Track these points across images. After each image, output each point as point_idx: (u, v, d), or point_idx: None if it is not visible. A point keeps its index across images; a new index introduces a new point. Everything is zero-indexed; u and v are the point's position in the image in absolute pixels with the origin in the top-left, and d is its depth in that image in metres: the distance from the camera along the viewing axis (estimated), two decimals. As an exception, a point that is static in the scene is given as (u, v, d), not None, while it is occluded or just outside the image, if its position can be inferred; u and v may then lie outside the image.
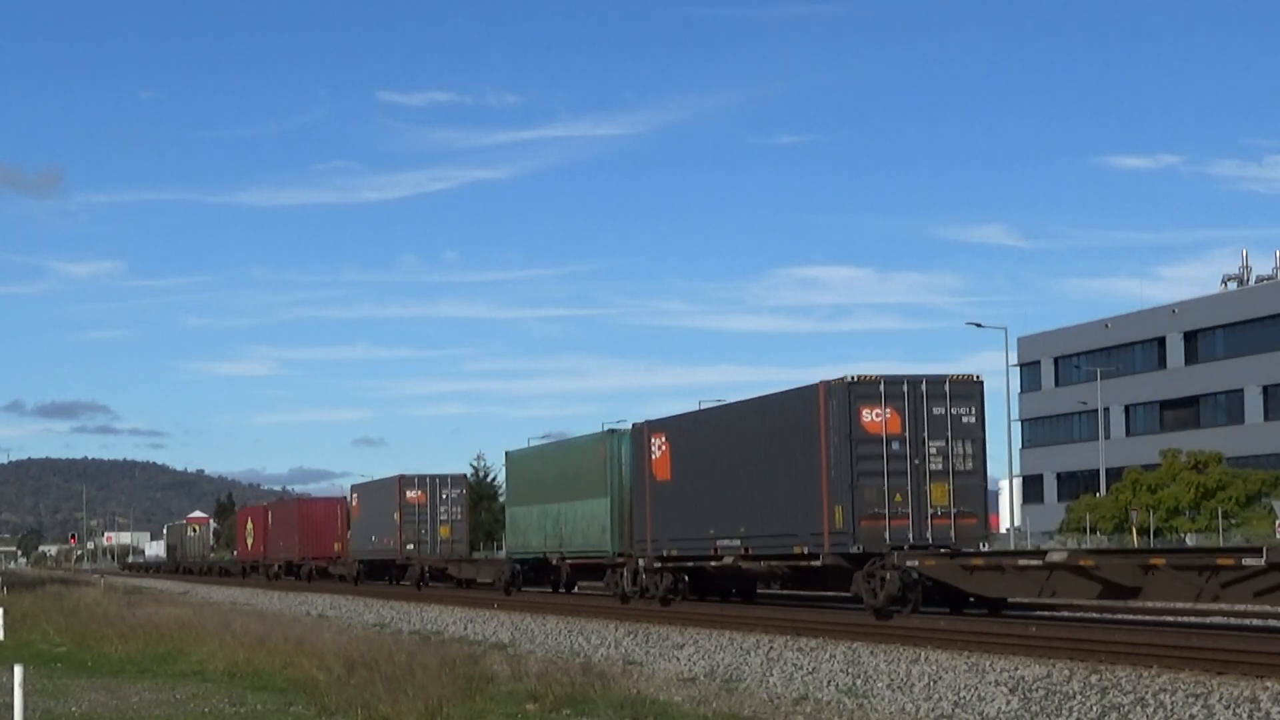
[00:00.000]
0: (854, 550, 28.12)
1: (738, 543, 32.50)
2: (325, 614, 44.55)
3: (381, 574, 63.81)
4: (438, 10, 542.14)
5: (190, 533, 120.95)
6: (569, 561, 42.55)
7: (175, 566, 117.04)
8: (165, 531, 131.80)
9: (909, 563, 27.11)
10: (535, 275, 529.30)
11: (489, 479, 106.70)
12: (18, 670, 13.39)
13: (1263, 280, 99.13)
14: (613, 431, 39.38)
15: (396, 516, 57.84)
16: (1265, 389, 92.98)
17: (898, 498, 28.18)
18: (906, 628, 24.97)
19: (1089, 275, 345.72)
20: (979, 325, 75.26)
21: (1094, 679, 18.03)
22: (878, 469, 28.20)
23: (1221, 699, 15.94)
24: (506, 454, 48.34)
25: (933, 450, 28.46)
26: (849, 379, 28.30)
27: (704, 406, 36.74)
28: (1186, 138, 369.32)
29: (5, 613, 29.35)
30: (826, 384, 28.79)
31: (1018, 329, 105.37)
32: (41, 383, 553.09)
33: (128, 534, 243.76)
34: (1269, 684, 16.54)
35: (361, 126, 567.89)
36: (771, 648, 24.39)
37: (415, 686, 18.48)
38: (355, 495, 66.50)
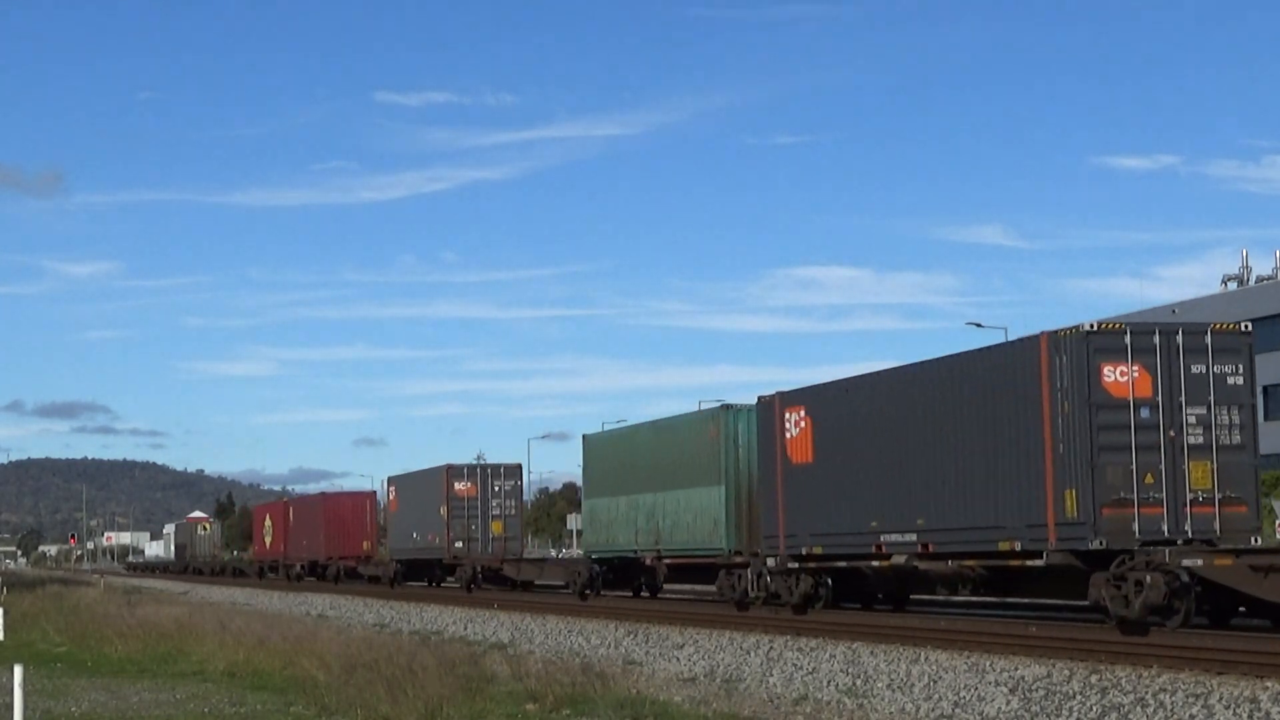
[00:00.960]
0: (1094, 546, 22.47)
1: (913, 538, 26.59)
2: (325, 614, 44.53)
3: (422, 574, 59.19)
4: (435, 11, 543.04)
5: (200, 531, 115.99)
6: (667, 561, 37.04)
7: (184, 567, 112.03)
8: (173, 530, 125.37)
9: (1187, 562, 21.66)
10: (534, 275, 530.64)
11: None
12: (18, 670, 13.38)
13: (1263, 280, 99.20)
14: (727, 407, 33.84)
15: (443, 511, 52.37)
16: (1265, 389, 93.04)
17: (1149, 479, 22.67)
18: (906, 627, 24.94)
19: (1088, 275, 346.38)
20: (979, 325, 75.16)
21: (1094, 679, 18.02)
22: (1124, 443, 22.60)
23: (1221, 699, 15.94)
24: (585, 438, 42.60)
25: (1191, 419, 23.04)
26: (1086, 327, 22.79)
27: (852, 375, 30.22)
28: (1184, 138, 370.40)
29: (5, 613, 29.29)
30: (1052, 335, 23.23)
31: (1018, 329, 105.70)
32: (41, 383, 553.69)
33: (128, 534, 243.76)
34: (1269, 684, 16.53)
35: (359, 127, 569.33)
36: (771, 648, 24.38)
37: (415, 687, 18.48)
38: (393, 488, 60.78)
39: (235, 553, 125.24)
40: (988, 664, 20.16)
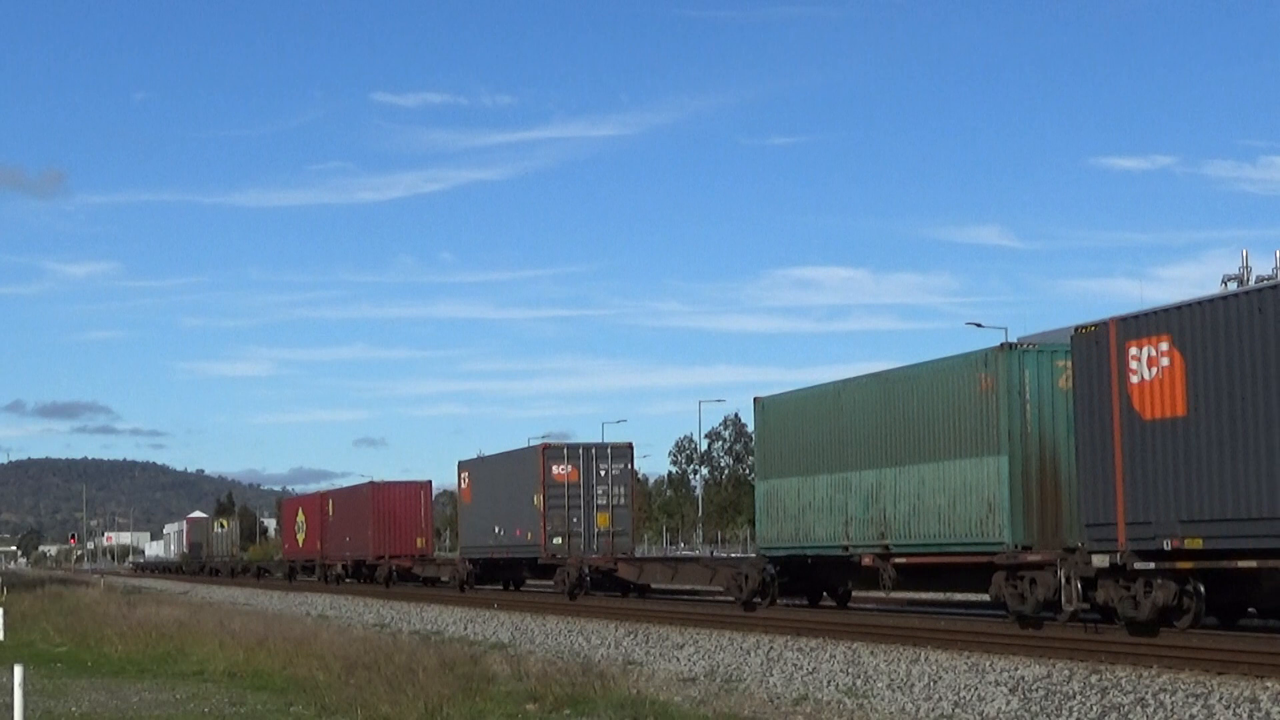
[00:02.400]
0: None
1: None
2: (325, 614, 44.52)
3: (501, 576, 50.60)
4: (431, 12, 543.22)
5: (217, 529, 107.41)
6: (898, 560, 27.97)
7: (199, 567, 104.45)
8: (183, 529, 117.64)
9: None
10: (532, 276, 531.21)
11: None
12: (18, 670, 13.37)
13: (1263, 280, 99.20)
14: (1009, 347, 25.76)
15: (538, 500, 43.70)
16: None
17: None
18: (906, 627, 24.95)
19: (1085, 276, 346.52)
20: (979, 325, 75.17)
21: (1094, 679, 18.03)
22: None
23: (1221, 699, 15.94)
24: (761, 403, 33.08)
25: None
26: None
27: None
28: (1181, 138, 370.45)
29: (5, 613, 29.28)
30: None
31: (1017, 329, 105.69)
32: (42, 383, 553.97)
33: (128, 534, 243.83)
34: (1269, 684, 16.54)
35: (357, 128, 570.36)
36: (771, 648, 24.38)
37: (415, 686, 18.48)
38: (465, 475, 51.23)
39: (256, 552, 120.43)
40: (988, 664, 20.16)
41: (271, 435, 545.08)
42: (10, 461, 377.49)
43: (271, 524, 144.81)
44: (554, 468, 43.66)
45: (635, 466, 46.88)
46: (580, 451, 44.14)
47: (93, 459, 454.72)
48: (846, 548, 29.34)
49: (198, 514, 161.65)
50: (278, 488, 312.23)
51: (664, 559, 47.64)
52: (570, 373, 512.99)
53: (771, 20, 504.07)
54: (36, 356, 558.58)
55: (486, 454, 52.44)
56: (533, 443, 46.13)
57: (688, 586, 41.57)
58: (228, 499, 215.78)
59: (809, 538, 30.67)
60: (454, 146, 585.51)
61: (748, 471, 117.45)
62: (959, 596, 35.83)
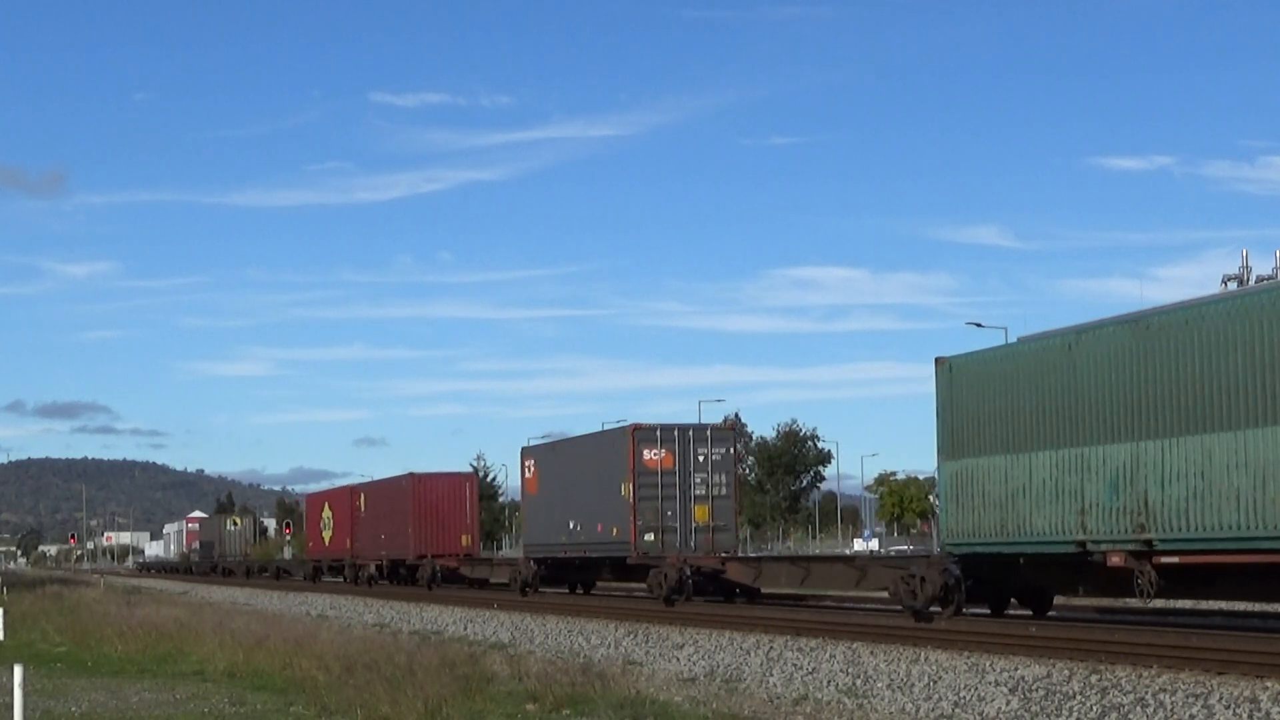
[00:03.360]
0: None
1: None
2: (325, 614, 44.51)
3: (570, 578, 45.16)
4: (429, 12, 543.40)
5: (230, 526, 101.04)
6: (1167, 559, 21.92)
7: (210, 567, 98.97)
8: (188, 527, 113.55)
9: None
10: (531, 276, 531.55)
11: (489, 479, 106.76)
12: (18, 670, 13.37)
13: (1263, 280, 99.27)
14: None
15: (627, 489, 37.87)
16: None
17: None
18: (906, 627, 24.94)
19: (1084, 275, 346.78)
20: (979, 325, 75.12)
21: (1094, 679, 18.02)
22: None
23: (1221, 699, 15.94)
24: (942, 362, 26.74)
25: None
26: None
27: None
28: (1178, 139, 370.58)
29: (5, 613, 29.24)
30: None
31: (1017, 329, 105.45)
32: (42, 383, 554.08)
33: (128, 534, 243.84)
34: (1269, 684, 16.53)
35: (355, 128, 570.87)
36: (771, 648, 24.37)
37: (415, 686, 18.48)
38: (531, 462, 44.93)
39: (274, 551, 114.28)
40: (988, 664, 20.15)
41: (271, 435, 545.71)
42: (10, 461, 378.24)
43: (271, 524, 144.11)
44: (647, 452, 37.83)
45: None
46: (676, 433, 38.26)
47: (93, 459, 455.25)
48: (1083, 543, 23.16)
49: (198, 513, 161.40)
50: (277, 488, 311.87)
51: (793, 558, 41.67)
52: (569, 372, 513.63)
53: (770, 20, 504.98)
54: (36, 356, 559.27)
55: (556, 437, 46.72)
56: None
57: (830, 592, 35.63)
58: (228, 499, 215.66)
59: (1023, 531, 24.49)
60: (453, 146, 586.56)
61: (747, 471, 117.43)
62: (1252, 607, 28.27)
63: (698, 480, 38.04)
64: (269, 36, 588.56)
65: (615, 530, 38.73)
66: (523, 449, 46.03)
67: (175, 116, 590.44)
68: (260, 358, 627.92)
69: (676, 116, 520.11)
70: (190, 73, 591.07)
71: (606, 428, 42.50)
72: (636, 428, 38.19)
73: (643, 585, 37.52)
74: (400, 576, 57.17)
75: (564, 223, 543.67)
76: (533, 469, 44.76)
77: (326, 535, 67.40)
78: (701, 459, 38.15)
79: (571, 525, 41.33)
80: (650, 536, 37.61)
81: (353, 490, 63.86)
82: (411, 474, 55.60)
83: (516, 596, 42.82)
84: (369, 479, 63.59)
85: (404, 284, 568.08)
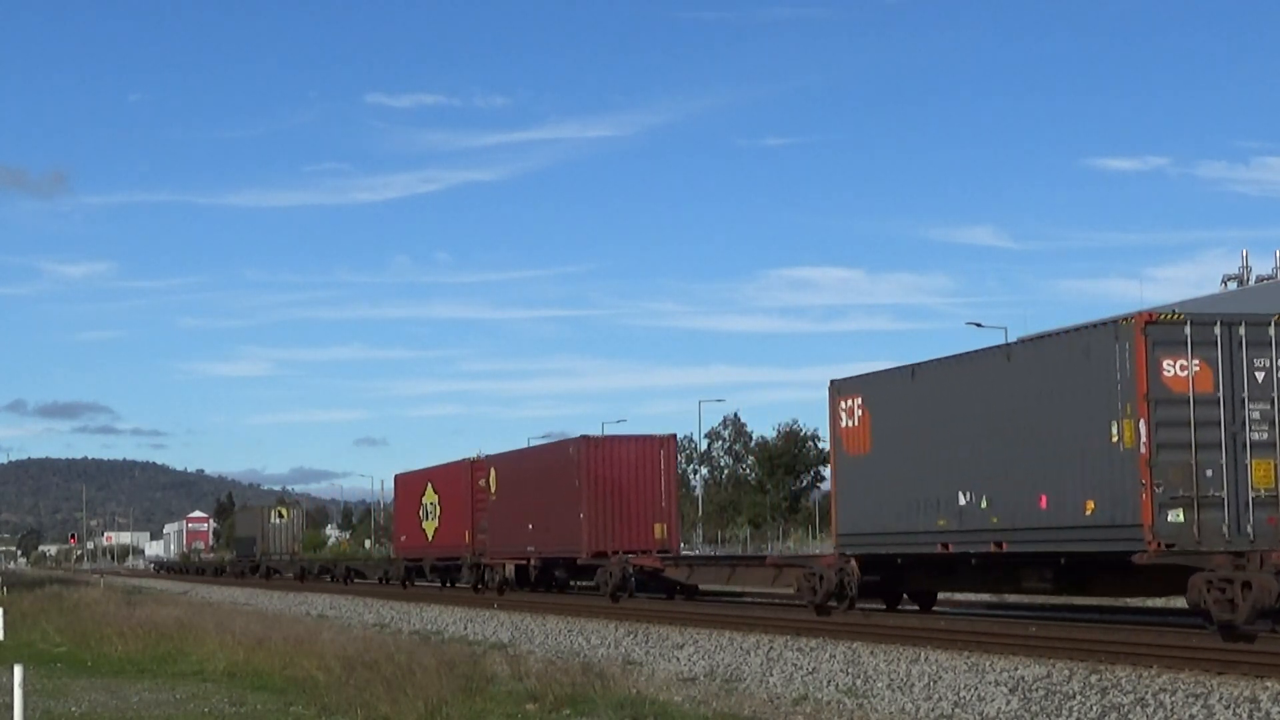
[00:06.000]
0: None
1: None
2: (325, 614, 44.51)
3: (926, 585, 29.29)
4: (425, 13, 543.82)
5: (275, 519, 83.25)
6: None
7: (253, 566, 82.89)
8: (235, 519, 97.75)
9: None
10: (528, 276, 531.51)
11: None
12: (18, 670, 13.37)
13: (1263, 280, 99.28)
14: None
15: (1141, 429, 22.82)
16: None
17: None
18: (906, 627, 24.94)
19: (1080, 276, 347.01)
20: (979, 325, 75.10)
21: (1094, 679, 18.02)
22: None
23: (1221, 699, 15.94)
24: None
25: None
26: None
27: None
28: (1174, 139, 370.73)
29: (5, 613, 29.29)
30: None
31: (1016, 329, 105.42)
32: (42, 383, 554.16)
33: (128, 534, 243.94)
34: (1269, 684, 16.53)
35: (352, 129, 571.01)
36: (771, 648, 24.37)
37: (415, 686, 18.48)
38: (856, 400, 28.37)
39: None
40: (988, 664, 20.15)
41: (271, 435, 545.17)
42: (10, 461, 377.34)
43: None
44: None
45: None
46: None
47: (93, 459, 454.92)
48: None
49: (198, 513, 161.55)
50: (277, 488, 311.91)
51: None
52: (568, 372, 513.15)
53: (766, 21, 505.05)
54: (36, 356, 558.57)
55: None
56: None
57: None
58: (228, 499, 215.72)
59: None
60: (449, 147, 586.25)
61: (747, 471, 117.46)
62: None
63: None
64: (266, 38, 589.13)
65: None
66: (831, 380, 29.44)
67: (173, 117, 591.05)
68: (259, 358, 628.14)
69: (672, 117, 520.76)
70: (188, 74, 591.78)
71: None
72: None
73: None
74: (553, 581, 43.99)
75: (561, 223, 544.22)
76: (862, 409, 28.56)
77: (430, 527, 51.86)
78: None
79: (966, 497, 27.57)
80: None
81: (474, 465, 48.07)
82: (586, 437, 41.04)
83: (810, 617, 28.37)
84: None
85: (401, 284, 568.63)
